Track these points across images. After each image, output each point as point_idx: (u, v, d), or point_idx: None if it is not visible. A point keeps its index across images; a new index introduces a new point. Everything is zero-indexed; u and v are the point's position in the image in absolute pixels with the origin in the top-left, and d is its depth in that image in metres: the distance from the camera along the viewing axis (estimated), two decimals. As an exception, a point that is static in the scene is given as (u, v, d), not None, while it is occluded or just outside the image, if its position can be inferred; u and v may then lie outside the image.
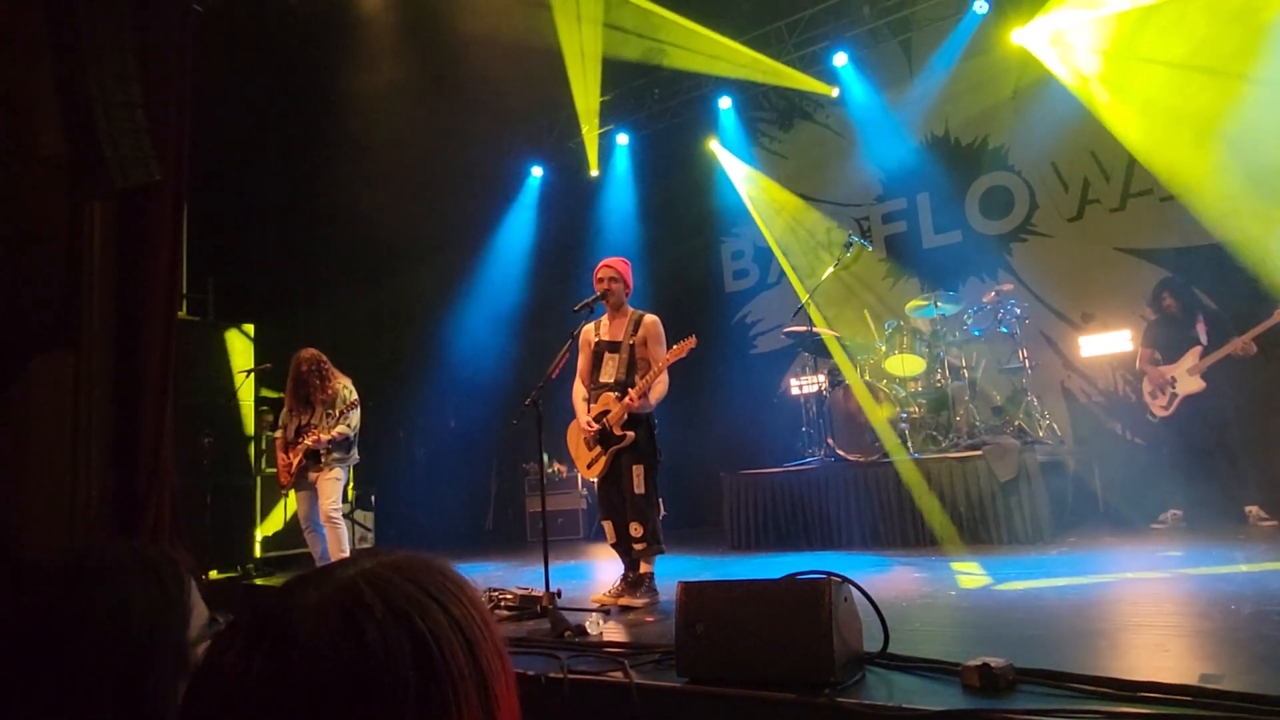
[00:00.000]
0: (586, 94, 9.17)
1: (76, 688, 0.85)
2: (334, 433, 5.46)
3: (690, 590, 2.64)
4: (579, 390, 4.66)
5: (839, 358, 7.24)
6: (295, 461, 5.53)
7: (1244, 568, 4.01)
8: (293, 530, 7.35)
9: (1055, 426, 6.85)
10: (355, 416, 5.60)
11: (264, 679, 0.59)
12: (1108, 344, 7.15)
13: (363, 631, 0.61)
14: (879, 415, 6.31)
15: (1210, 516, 5.69)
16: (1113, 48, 7.16)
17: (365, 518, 8.53)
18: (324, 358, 5.68)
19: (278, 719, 0.58)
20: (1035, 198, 7.87)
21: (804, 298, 7.02)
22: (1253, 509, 5.66)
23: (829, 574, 2.47)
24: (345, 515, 5.76)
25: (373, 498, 8.68)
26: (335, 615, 0.62)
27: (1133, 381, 6.89)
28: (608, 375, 4.50)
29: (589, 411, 4.51)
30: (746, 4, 8.55)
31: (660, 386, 4.41)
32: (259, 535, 7.54)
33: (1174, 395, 5.97)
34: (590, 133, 9.74)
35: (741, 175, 9.50)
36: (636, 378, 4.42)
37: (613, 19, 8.50)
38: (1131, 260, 7.30)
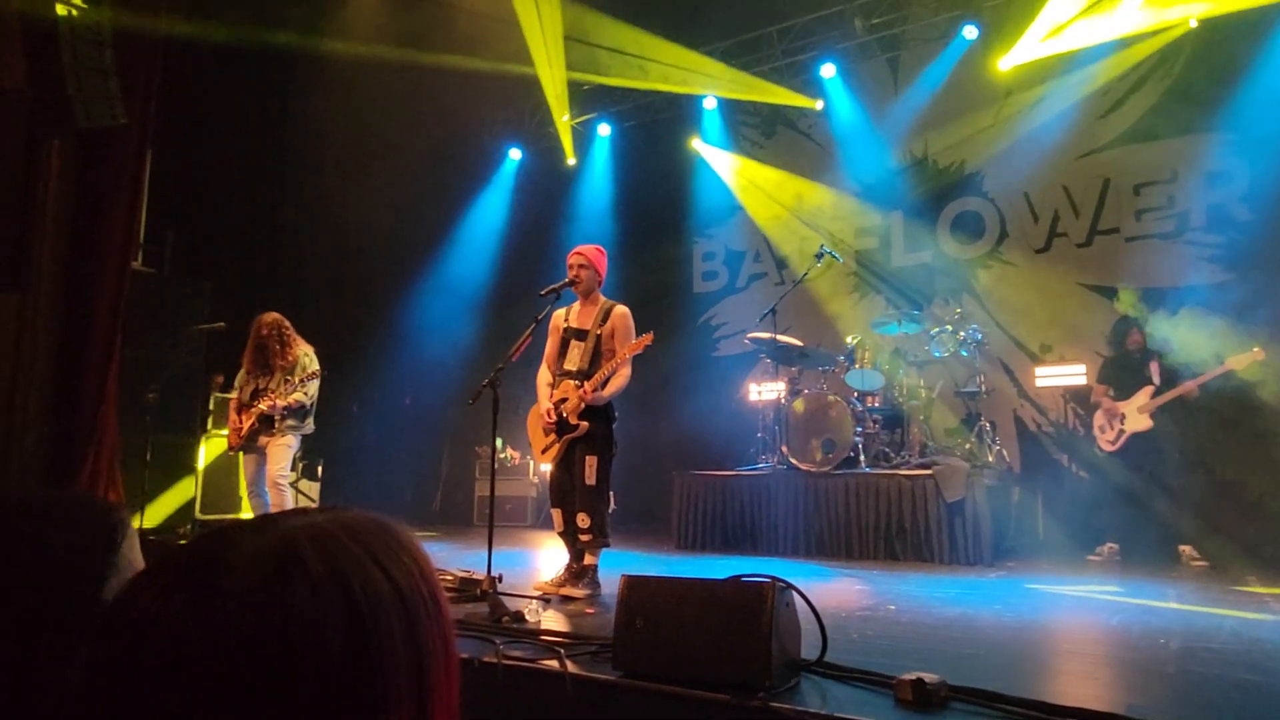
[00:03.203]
0: (555, 82, 9.08)
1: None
2: (290, 399, 5.36)
3: (634, 584, 2.62)
4: (544, 375, 4.62)
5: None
6: (247, 424, 5.43)
7: (1175, 604, 4.10)
8: (233, 493, 7.20)
9: (1005, 452, 6.96)
10: (314, 387, 5.50)
11: (179, 621, 0.54)
12: (1062, 376, 7.29)
13: (293, 589, 0.56)
14: (834, 427, 6.36)
15: (1145, 552, 5.82)
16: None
17: (310, 488, 8.37)
18: (286, 323, 5.56)
19: (188, 666, 0.53)
20: (1006, 226, 7.98)
21: (802, 277, 7.04)
22: (1186, 548, 5.81)
23: (773, 578, 2.47)
24: (291, 484, 5.64)
25: (319, 469, 8.52)
26: (268, 567, 0.57)
27: (1083, 415, 7.03)
28: (571, 363, 4.47)
29: (550, 397, 4.47)
30: (738, 8, 8.54)
31: (620, 379, 4.38)
32: (197, 495, 7.36)
33: (1122, 431, 6.10)
34: (564, 122, 9.65)
35: (728, 165, 9.48)
36: (600, 367, 4.39)
37: (590, 36, 8.44)
38: (1093, 296, 7.43)
